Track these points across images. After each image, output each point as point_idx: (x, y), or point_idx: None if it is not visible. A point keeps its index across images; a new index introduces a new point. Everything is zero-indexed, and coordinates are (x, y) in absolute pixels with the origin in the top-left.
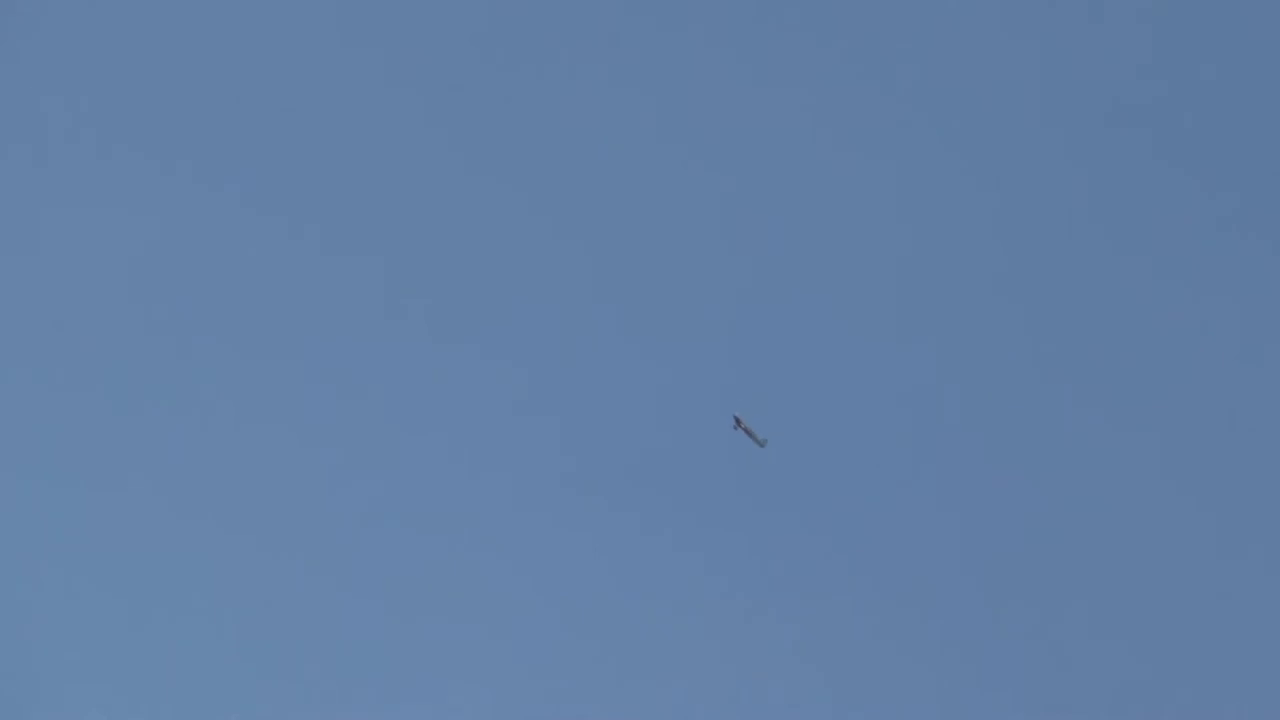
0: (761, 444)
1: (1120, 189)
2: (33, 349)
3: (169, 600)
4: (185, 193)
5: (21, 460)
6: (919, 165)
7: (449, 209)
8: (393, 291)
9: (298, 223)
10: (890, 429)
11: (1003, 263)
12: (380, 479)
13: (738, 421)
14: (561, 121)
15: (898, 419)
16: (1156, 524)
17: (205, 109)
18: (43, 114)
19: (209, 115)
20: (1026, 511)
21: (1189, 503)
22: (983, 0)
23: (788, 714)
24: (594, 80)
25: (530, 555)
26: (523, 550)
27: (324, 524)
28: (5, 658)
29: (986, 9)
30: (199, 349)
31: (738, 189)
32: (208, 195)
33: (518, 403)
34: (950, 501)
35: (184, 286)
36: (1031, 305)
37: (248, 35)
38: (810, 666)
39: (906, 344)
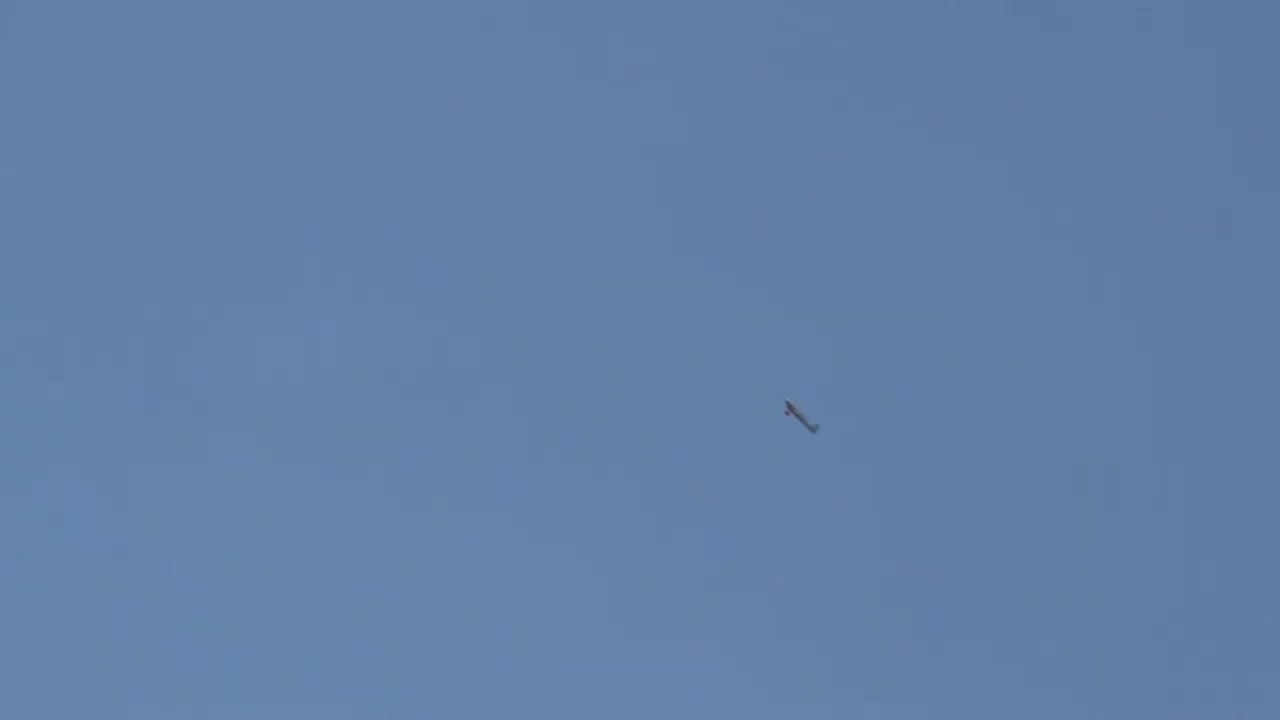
0: (813, 429)
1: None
2: (30, 347)
3: (168, 600)
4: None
5: (21, 460)
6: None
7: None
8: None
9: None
10: (899, 431)
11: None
12: (378, 476)
13: (789, 407)
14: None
15: (903, 421)
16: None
17: (203, 104)
18: (42, 114)
19: (208, 113)
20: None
21: None
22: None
23: (793, 712)
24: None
25: (534, 553)
26: (528, 548)
27: (325, 523)
28: (6, 659)
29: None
30: (197, 347)
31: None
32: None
33: (521, 394)
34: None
35: (184, 284)
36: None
37: (246, 36)
38: (815, 662)
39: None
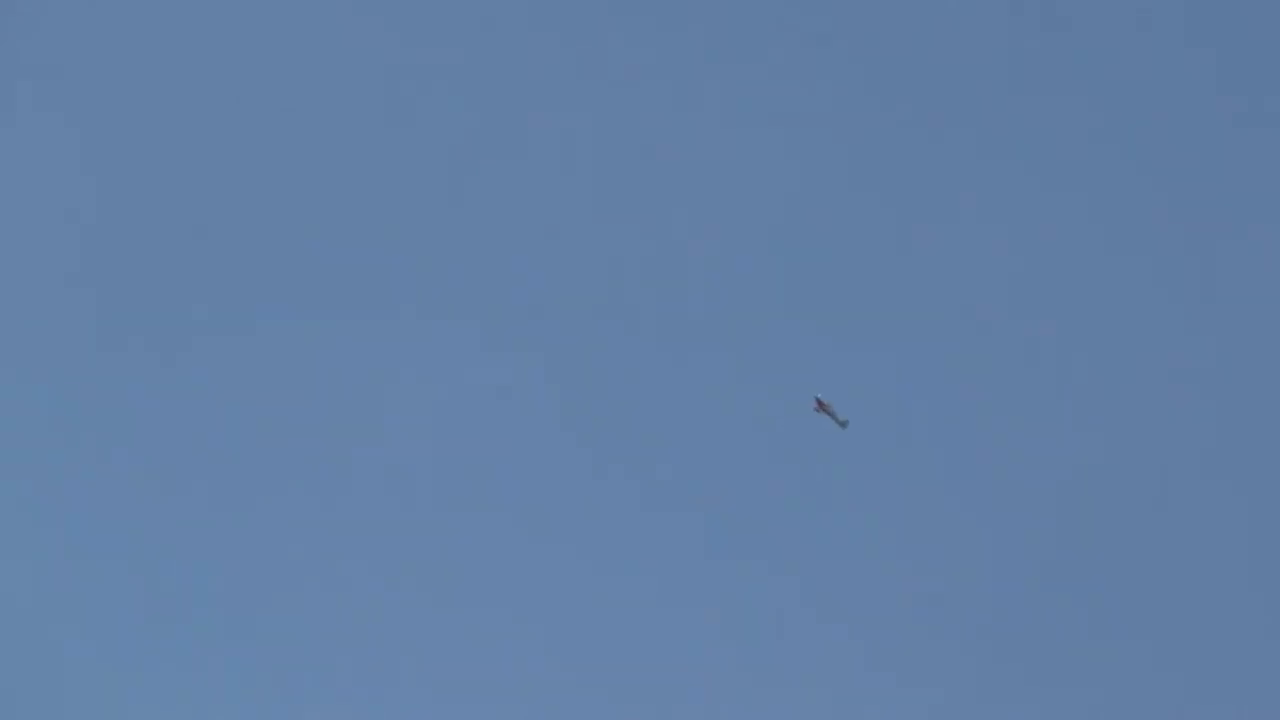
0: (843, 424)
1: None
2: (31, 347)
3: (168, 600)
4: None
5: (23, 459)
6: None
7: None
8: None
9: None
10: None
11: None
12: (379, 476)
13: (819, 404)
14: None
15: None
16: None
17: (203, 104)
18: (42, 113)
19: (208, 113)
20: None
21: None
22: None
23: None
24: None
25: (534, 553)
26: (528, 547)
27: (326, 523)
28: (6, 659)
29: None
30: (198, 346)
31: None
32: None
33: (524, 394)
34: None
35: (184, 284)
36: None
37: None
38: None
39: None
